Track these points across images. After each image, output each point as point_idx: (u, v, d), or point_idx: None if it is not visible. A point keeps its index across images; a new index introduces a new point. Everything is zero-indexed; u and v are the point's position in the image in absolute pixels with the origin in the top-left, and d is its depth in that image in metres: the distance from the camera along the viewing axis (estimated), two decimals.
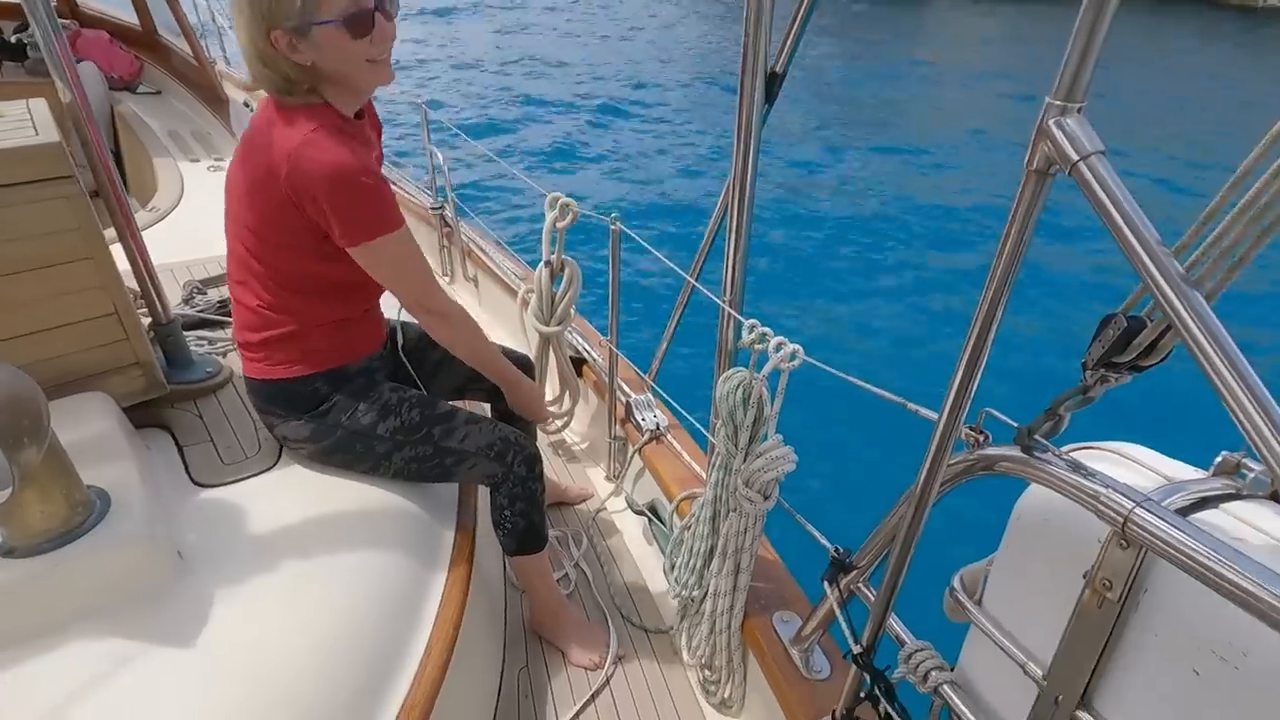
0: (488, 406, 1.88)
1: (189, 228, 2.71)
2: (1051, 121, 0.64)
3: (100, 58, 4.06)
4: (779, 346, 1.21)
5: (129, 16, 4.50)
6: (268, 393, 1.41)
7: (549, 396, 2.53)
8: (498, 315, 3.39)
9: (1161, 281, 0.58)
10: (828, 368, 1.22)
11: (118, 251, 1.58)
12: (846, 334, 5.32)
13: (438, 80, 12.53)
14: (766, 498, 1.32)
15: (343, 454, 1.44)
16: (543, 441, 2.56)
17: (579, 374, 2.51)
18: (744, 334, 1.27)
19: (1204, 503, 0.73)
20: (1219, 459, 0.78)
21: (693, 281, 1.70)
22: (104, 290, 1.38)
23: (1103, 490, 0.71)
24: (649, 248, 1.77)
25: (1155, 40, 16.04)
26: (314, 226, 1.24)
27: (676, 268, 1.70)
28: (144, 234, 2.37)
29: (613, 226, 1.86)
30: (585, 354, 2.49)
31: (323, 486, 1.45)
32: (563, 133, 9.60)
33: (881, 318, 5.51)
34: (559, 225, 2.11)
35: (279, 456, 1.52)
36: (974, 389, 0.82)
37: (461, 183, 7.21)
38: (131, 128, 3.57)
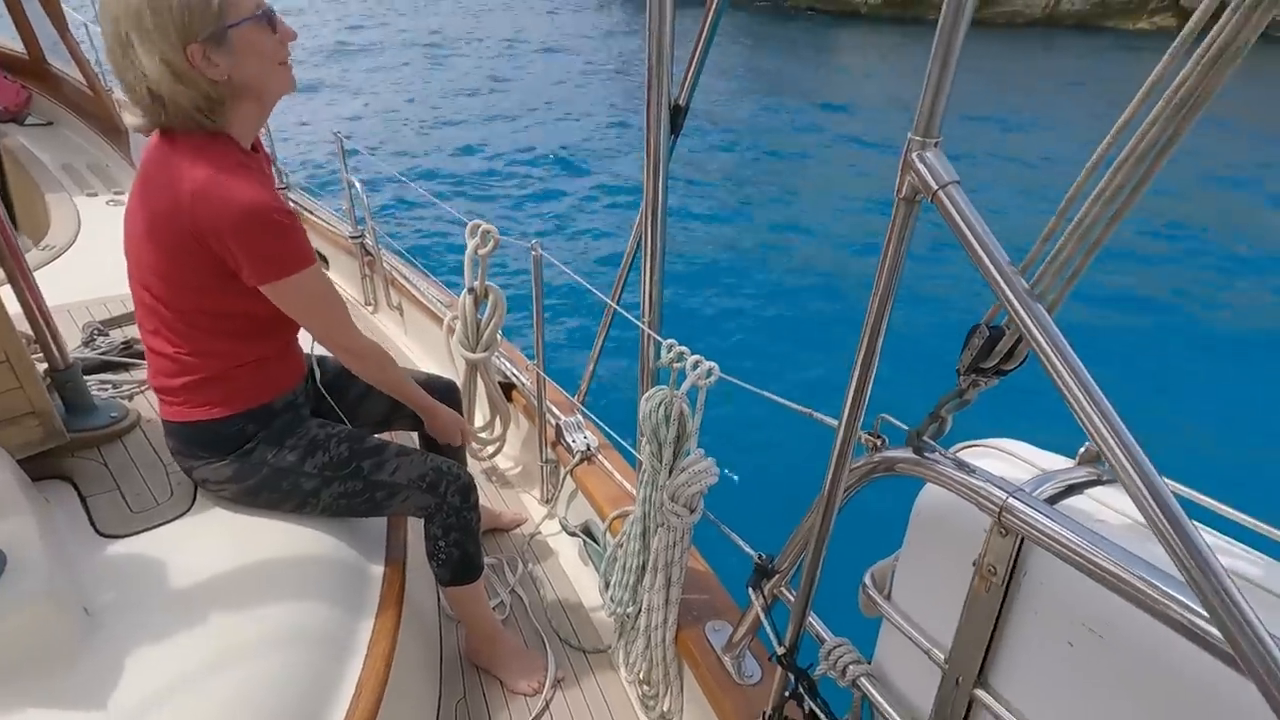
0: (415, 435, 1.87)
1: (87, 265, 2.57)
2: (914, 155, 0.71)
3: None
4: (695, 364, 1.26)
5: (14, 44, 4.25)
6: (188, 435, 1.36)
7: (479, 422, 2.52)
8: (423, 342, 3.35)
9: (1011, 297, 0.65)
10: (742, 383, 1.28)
11: (8, 294, 1.51)
12: (759, 348, 5.58)
13: (347, 108, 12.36)
14: (692, 510, 1.36)
15: (268, 493, 1.40)
16: (475, 468, 2.55)
17: (508, 399, 2.51)
18: (663, 353, 1.32)
19: (1070, 490, 0.81)
20: (1082, 450, 0.87)
21: (613, 305, 1.75)
22: None
23: (981, 484, 0.78)
24: (569, 273, 1.81)
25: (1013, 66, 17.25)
26: (220, 264, 1.21)
27: (597, 291, 1.74)
28: (38, 273, 2.25)
29: (534, 252, 1.88)
30: (514, 379, 2.50)
31: (242, 529, 1.41)
32: (481, 161, 9.62)
33: (788, 330, 5.81)
34: (480, 252, 2.12)
35: (193, 501, 1.47)
36: (868, 396, 0.88)
37: (380, 208, 7.11)
38: (20, 162, 3.37)
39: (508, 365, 2.54)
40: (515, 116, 11.68)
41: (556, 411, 2.26)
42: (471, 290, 2.17)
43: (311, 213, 4.21)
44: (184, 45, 1.11)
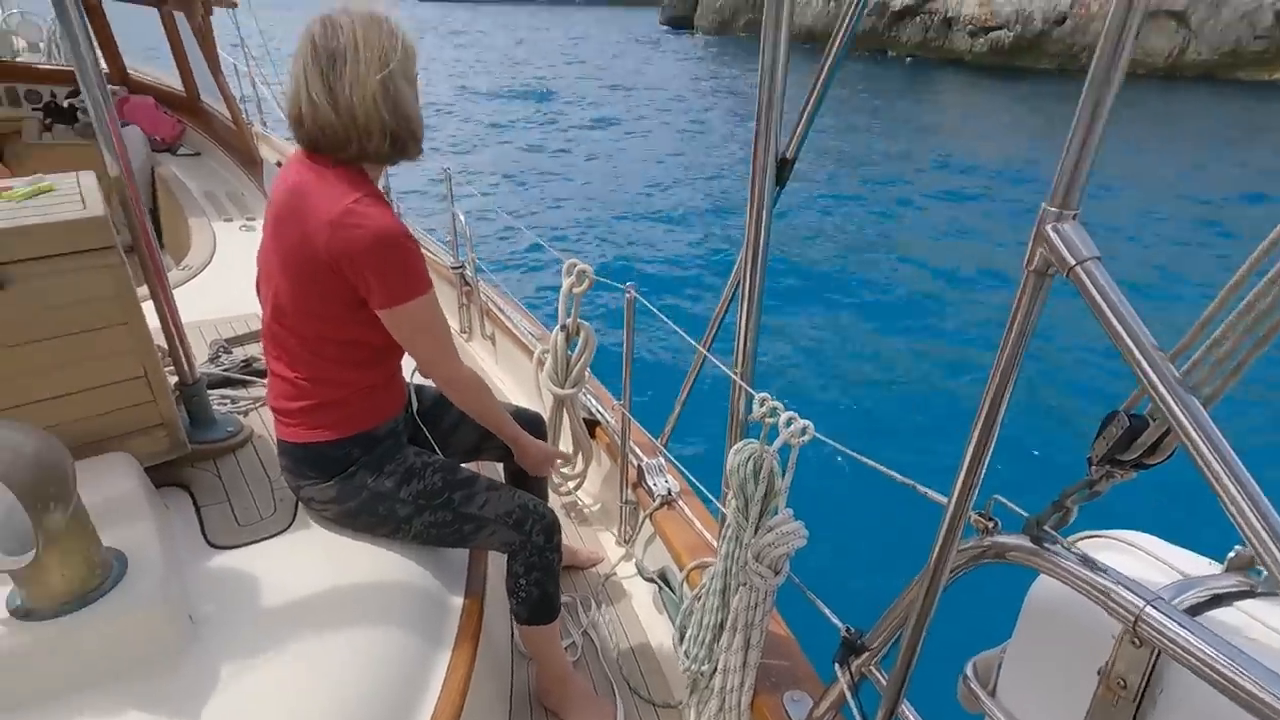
0: (500, 467, 1.90)
1: (219, 286, 2.79)
2: (1049, 226, 0.66)
3: (145, 121, 4.28)
4: (789, 422, 1.22)
5: (175, 82, 4.75)
6: (299, 455, 1.44)
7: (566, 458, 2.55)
8: (513, 373, 3.43)
9: (1159, 385, 0.59)
10: (839, 446, 1.23)
11: (149, 309, 1.64)
12: (860, 410, 5.27)
13: (464, 141, 12.99)
14: (777, 573, 1.31)
15: (366, 516, 1.46)
16: (554, 503, 2.56)
17: (592, 435, 2.53)
18: (755, 407, 1.28)
19: (1217, 600, 0.73)
20: (1232, 554, 0.78)
21: (704, 352, 1.73)
22: (135, 354, 1.43)
23: (1113, 587, 0.71)
24: (662, 317, 1.81)
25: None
26: (350, 292, 1.28)
27: (688, 337, 1.73)
28: (176, 291, 2.45)
29: (627, 295, 1.90)
30: (599, 416, 2.51)
31: (336, 550, 1.46)
32: (583, 201, 9.78)
33: (894, 397, 5.44)
34: (575, 291, 2.16)
35: (294, 518, 1.53)
36: (981, 475, 0.83)
37: (481, 240, 7.38)
38: (170, 188, 3.72)
39: (594, 402, 2.56)
40: (619, 162, 11.81)
41: (639, 452, 2.25)
42: (564, 327, 2.21)
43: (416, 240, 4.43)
44: (382, 78, 1.24)
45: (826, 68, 1.26)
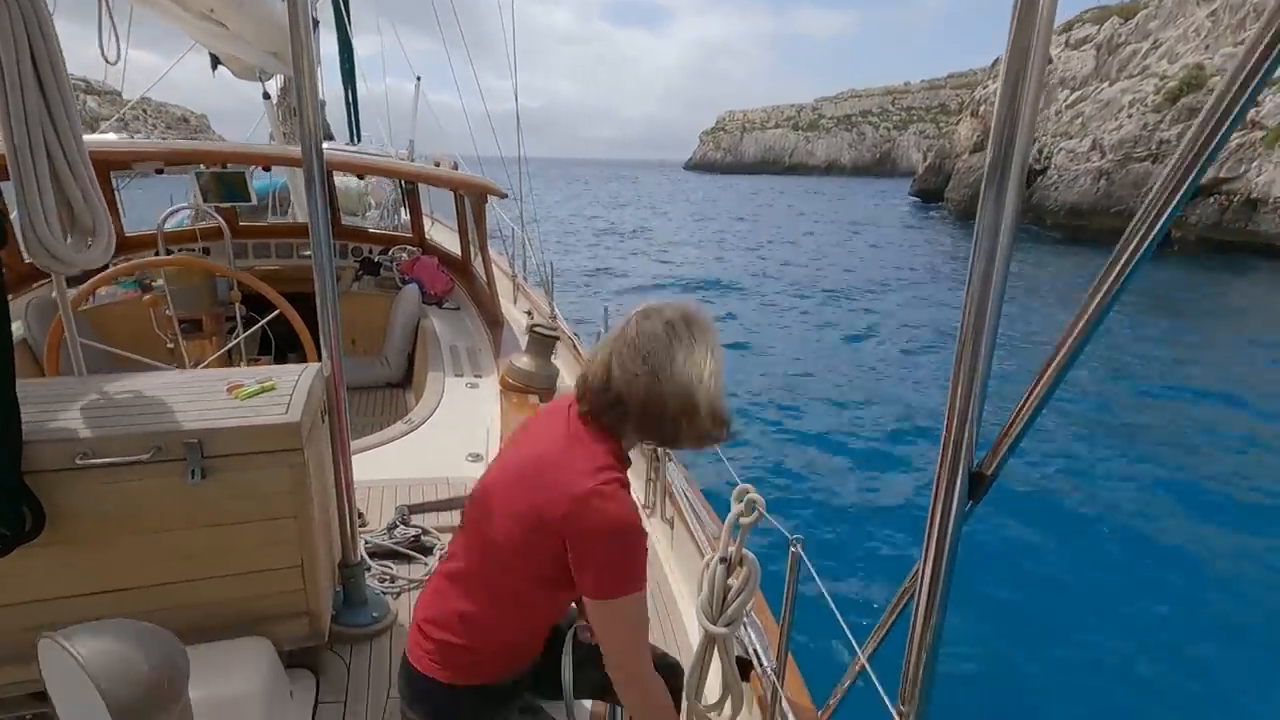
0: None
1: (426, 445, 3.04)
2: None
3: (426, 277, 5.08)
4: None
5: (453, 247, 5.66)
6: (414, 682, 1.39)
7: (710, 700, 2.25)
8: (684, 568, 3.24)
9: None
10: None
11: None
12: None
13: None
14: None
15: None
16: None
17: (744, 678, 2.21)
18: None
19: None
20: None
21: (863, 660, 1.41)
22: (298, 545, 1.52)
23: None
24: (824, 591, 1.53)
25: None
26: (564, 566, 1.25)
27: (849, 632, 1.43)
28: (394, 444, 2.68)
29: (793, 548, 1.66)
30: (754, 658, 2.20)
31: None
32: (771, 446, 8.11)
33: None
34: (743, 520, 1.96)
35: None
36: None
37: None
38: (426, 339, 4.29)
39: (753, 639, 2.26)
40: (825, 367, 10.37)
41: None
42: (724, 559, 2.00)
43: None
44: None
45: (1056, 366, 0.97)
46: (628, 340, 1.28)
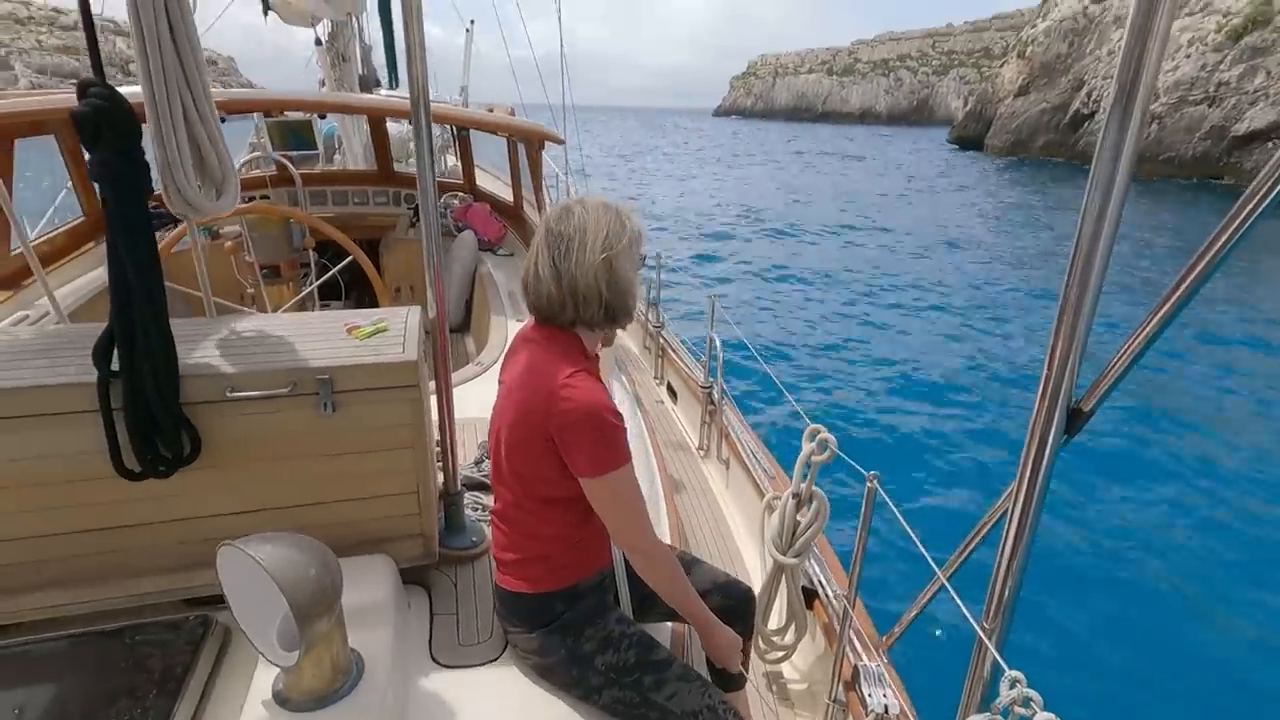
0: None
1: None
2: None
3: (479, 224, 5.14)
4: None
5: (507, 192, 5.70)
6: (509, 602, 1.54)
7: (774, 624, 2.39)
8: (740, 505, 3.37)
9: None
10: None
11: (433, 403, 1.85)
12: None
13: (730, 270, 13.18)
14: None
15: (560, 675, 1.49)
16: (758, 668, 2.40)
17: (809, 607, 2.35)
18: (1001, 688, 1.07)
19: None
20: None
21: (945, 582, 1.51)
22: (414, 474, 1.65)
23: None
24: (903, 523, 1.63)
25: None
26: (560, 456, 1.38)
27: (929, 557, 1.53)
28: (465, 385, 2.80)
29: (869, 484, 1.76)
30: (819, 588, 2.33)
31: (532, 700, 1.50)
32: (841, 363, 8.61)
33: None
34: (815, 459, 2.06)
35: (504, 648, 1.62)
36: None
37: (733, 368, 6.89)
38: (484, 284, 4.39)
39: (817, 571, 2.39)
40: (894, 331, 10.04)
41: (859, 647, 2.03)
42: (796, 494, 2.11)
43: (675, 351, 4.66)
44: (609, 261, 1.38)
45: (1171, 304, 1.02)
46: (543, 242, 1.41)
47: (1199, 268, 0.97)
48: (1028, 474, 1.16)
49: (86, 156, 1.33)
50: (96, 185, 1.33)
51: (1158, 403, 7.56)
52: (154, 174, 1.44)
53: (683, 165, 36.28)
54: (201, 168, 1.56)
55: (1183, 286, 0.99)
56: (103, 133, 1.28)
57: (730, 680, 1.84)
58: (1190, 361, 8.77)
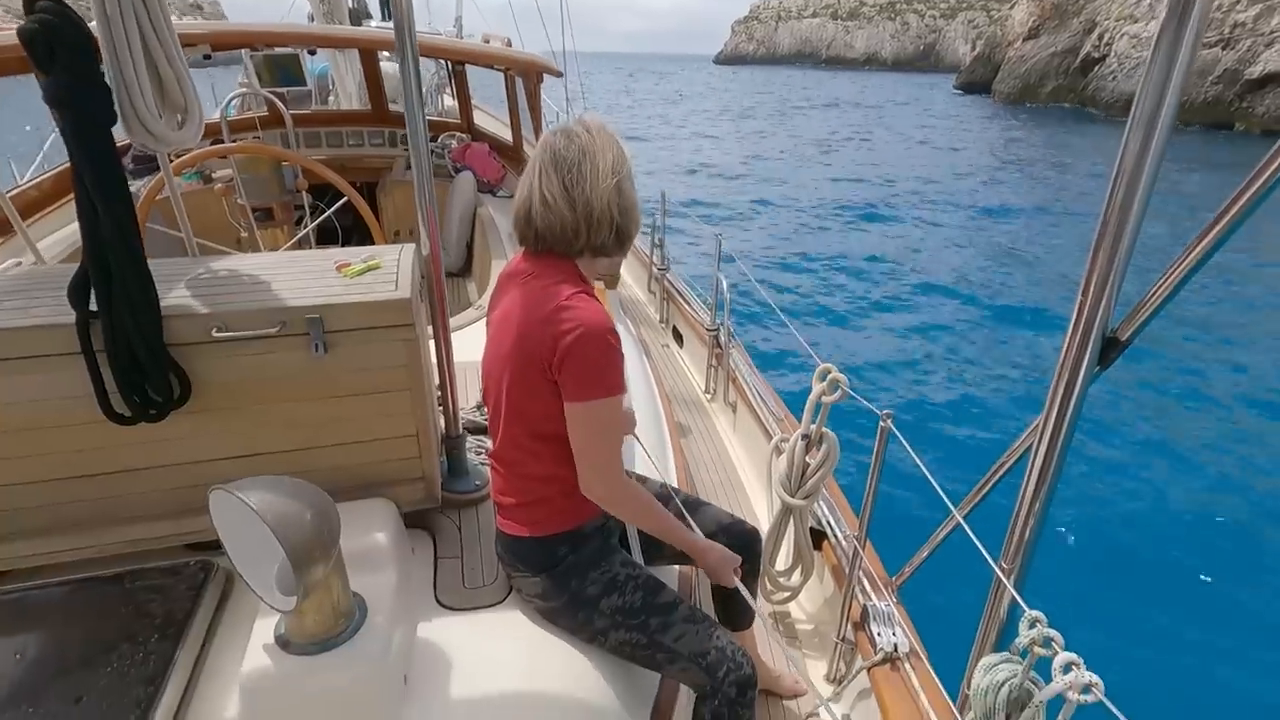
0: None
1: None
2: None
3: (478, 166, 5.00)
4: (1068, 667, 0.96)
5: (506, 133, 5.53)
6: (511, 547, 1.50)
7: (780, 566, 2.38)
8: (748, 447, 3.35)
9: None
10: None
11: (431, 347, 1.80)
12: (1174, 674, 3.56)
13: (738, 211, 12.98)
14: None
15: (565, 618, 1.47)
16: (764, 608, 2.40)
17: (817, 548, 2.33)
18: (1021, 627, 1.04)
19: None
20: None
21: (960, 521, 1.47)
22: (413, 416, 1.60)
23: None
24: (917, 460, 1.59)
25: None
26: (555, 386, 1.33)
27: (944, 495, 1.49)
28: (467, 329, 2.74)
29: (882, 423, 1.71)
30: (828, 529, 2.31)
31: (538, 643, 1.48)
32: (856, 300, 8.78)
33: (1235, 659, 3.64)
34: (825, 399, 2.01)
35: (509, 591, 1.60)
36: None
37: (741, 313, 6.97)
38: (484, 227, 4.28)
39: (826, 512, 2.36)
40: (906, 270, 10.21)
41: (868, 587, 2.02)
42: (805, 436, 2.07)
43: (681, 295, 4.59)
44: (617, 183, 1.34)
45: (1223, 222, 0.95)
46: (549, 167, 1.34)
47: (1254, 188, 0.89)
48: (1056, 406, 1.10)
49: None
50: (54, 111, 1.23)
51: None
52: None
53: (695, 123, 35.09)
54: (161, 94, 1.47)
55: (1235, 208, 0.92)
56: (56, 52, 1.18)
57: (738, 620, 1.83)
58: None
